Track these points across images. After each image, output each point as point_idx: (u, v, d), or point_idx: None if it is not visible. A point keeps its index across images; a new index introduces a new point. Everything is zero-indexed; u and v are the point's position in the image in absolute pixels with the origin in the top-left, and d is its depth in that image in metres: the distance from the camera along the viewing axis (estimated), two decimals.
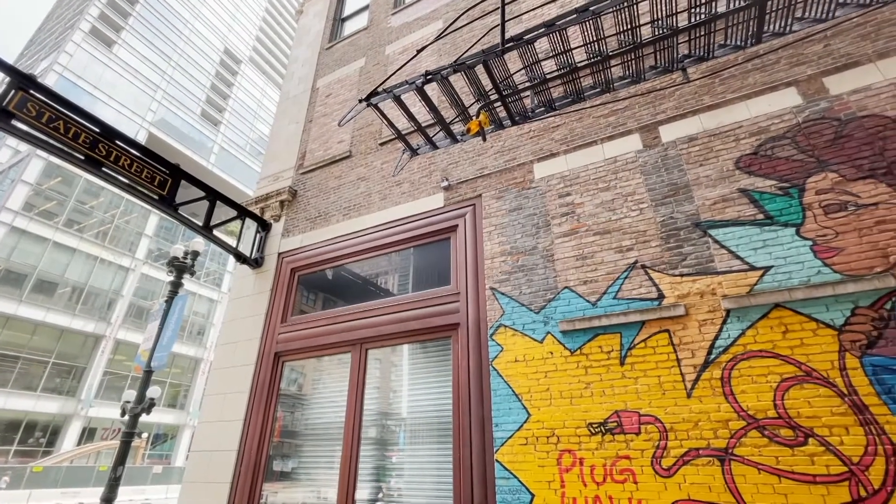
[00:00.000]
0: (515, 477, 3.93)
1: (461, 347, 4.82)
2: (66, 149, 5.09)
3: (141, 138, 36.31)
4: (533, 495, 3.80)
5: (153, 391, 9.49)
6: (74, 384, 29.48)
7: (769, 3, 3.73)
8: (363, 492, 4.87)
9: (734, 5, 3.80)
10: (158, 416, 32.94)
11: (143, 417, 9.61)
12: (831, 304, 3.34)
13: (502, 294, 4.80)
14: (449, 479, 4.40)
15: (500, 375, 4.40)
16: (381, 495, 4.81)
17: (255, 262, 7.08)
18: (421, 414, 5.08)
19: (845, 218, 3.55)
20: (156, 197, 5.85)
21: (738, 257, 3.81)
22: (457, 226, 5.60)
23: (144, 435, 31.30)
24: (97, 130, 5.39)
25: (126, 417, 9.04)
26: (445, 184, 5.94)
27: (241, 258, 6.96)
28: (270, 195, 7.75)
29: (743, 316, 3.60)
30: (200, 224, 6.35)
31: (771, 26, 3.95)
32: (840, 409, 3.08)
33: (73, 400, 29.07)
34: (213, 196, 6.58)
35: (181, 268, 9.65)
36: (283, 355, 6.15)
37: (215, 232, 6.59)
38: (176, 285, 9.55)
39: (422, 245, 5.96)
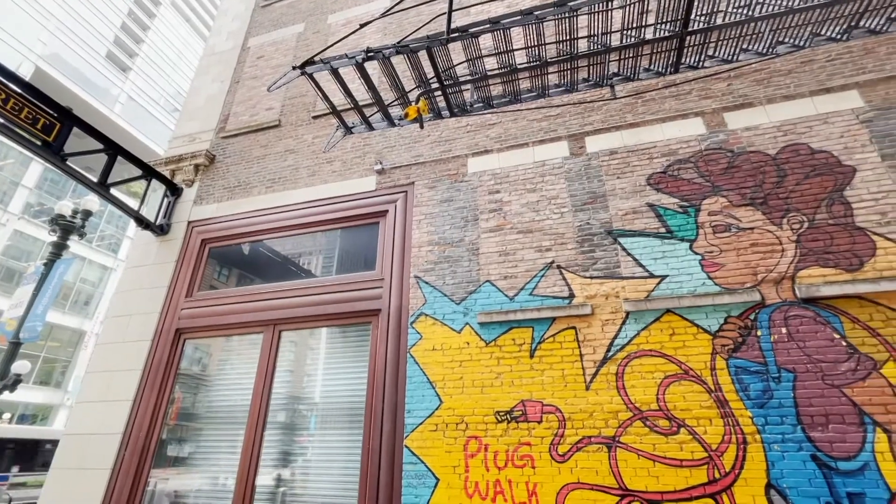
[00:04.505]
0: (422, 462, 4.02)
1: (381, 333, 4.79)
2: None
3: (25, 72, 30.89)
4: (438, 480, 3.92)
5: (21, 365, 8.26)
6: None
7: (688, 38, 4.11)
8: (265, 477, 4.68)
9: (660, 34, 4.13)
10: (27, 395, 28.77)
11: (7, 395, 8.34)
12: (710, 313, 3.82)
13: (426, 283, 4.84)
14: (357, 464, 4.38)
15: (417, 363, 4.45)
16: (285, 480, 4.66)
17: (161, 229, 6.41)
18: (334, 399, 4.99)
19: (728, 238, 4.07)
20: (38, 143, 5.04)
21: (640, 265, 4.21)
22: (387, 211, 5.52)
23: (7, 415, 27.19)
24: None
25: None
26: (379, 167, 5.82)
27: (143, 223, 6.26)
28: (184, 157, 7.04)
29: (640, 318, 3.99)
30: (95, 180, 5.60)
31: (688, 59, 4.36)
32: (707, 404, 3.55)
33: None
34: (114, 150, 5.82)
35: (67, 228, 8.46)
36: (185, 332, 5.67)
37: (113, 191, 5.85)
38: (59, 247, 8.36)
39: (349, 227, 5.80)
